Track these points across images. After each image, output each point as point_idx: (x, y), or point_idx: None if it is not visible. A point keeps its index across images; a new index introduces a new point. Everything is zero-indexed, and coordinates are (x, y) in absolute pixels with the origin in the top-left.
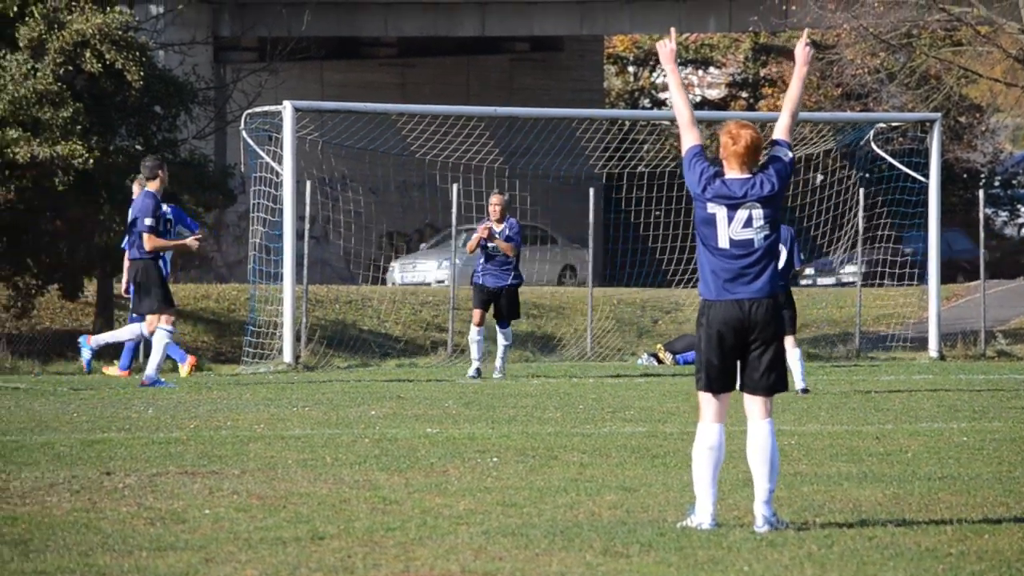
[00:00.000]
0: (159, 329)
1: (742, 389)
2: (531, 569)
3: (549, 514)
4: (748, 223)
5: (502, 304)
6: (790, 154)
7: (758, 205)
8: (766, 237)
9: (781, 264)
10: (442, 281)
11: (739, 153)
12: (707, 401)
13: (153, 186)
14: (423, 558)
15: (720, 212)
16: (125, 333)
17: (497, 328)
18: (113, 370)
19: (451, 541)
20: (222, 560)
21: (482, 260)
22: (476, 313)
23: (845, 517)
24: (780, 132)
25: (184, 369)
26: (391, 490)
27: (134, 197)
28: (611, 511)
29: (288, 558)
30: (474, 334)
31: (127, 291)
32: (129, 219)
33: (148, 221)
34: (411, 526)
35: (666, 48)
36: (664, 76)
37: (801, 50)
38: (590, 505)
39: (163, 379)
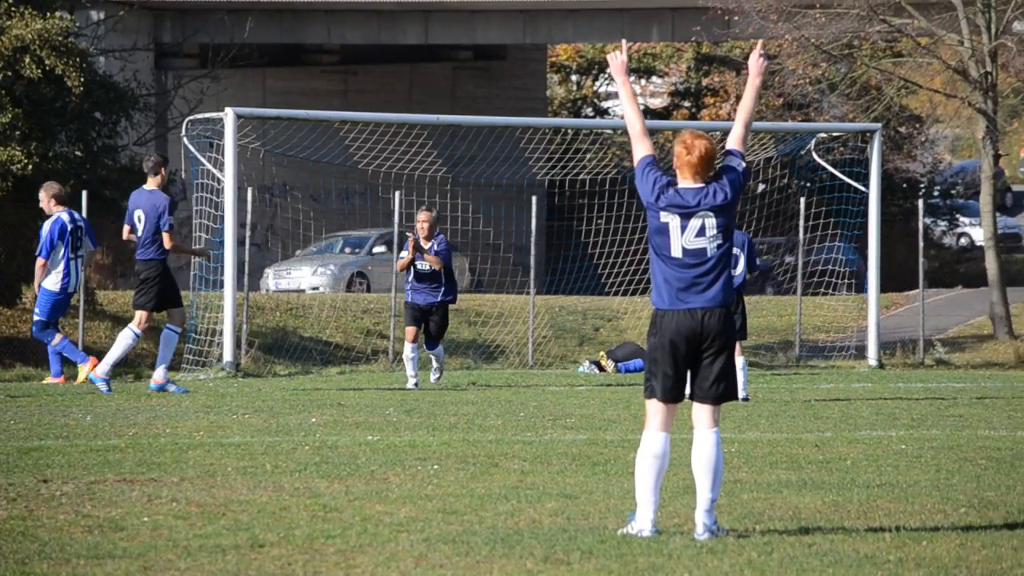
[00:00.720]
0: (129, 328)
1: (691, 397)
2: None
3: (490, 521)
4: (701, 232)
5: (432, 322)
6: (743, 164)
7: (711, 214)
8: (719, 246)
9: (737, 271)
10: (317, 288)
11: (693, 163)
12: (655, 410)
13: (155, 183)
14: (363, 565)
15: (673, 221)
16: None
17: (427, 349)
18: (48, 378)
19: (391, 548)
20: (161, 568)
21: (411, 278)
22: (409, 331)
23: (785, 524)
24: (733, 142)
25: (84, 371)
26: (331, 497)
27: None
28: (552, 518)
29: (228, 566)
30: (408, 351)
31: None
32: (135, 216)
33: (169, 220)
34: (351, 533)
35: (617, 60)
36: (607, 85)
37: (755, 61)
38: (531, 512)
39: (174, 385)
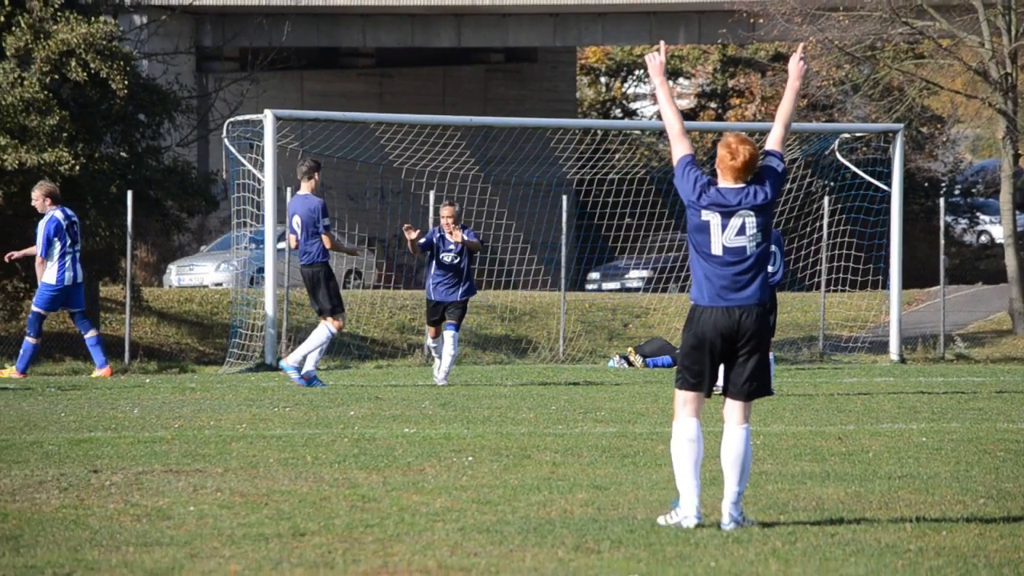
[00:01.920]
0: (326, 328)
1: (724, 393)
2: (505, 565)
3: (523, 511)
4: (741, 231)
5: (450, 313)
6: (783, 165)
7: (751, 213)
8: (758, 245)
9: (773, 268)
10: (220, 283)
11: (736, 168)
12: (684, 399)
13: (309, 187)
14: (401, 554)
15: (714, 220)
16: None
17: (445, 332)
18: (95, 372)
19: (428, 537)
20: (206, 555)
21: (433, 271)
22: (430, 329)
23: (808, 515)
24: (773, 143)
25: (98, 374)
26: (370, 488)
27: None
28: (583, 508)
29: (270, 553)
30: (430, 343)
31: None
32: (293, 222)
33: (326, 222)
34: (389, 523)
35: (655, 60)
36: (636, 87)
37: (795, 64)
38: (562, 503)
39: (299, 373)
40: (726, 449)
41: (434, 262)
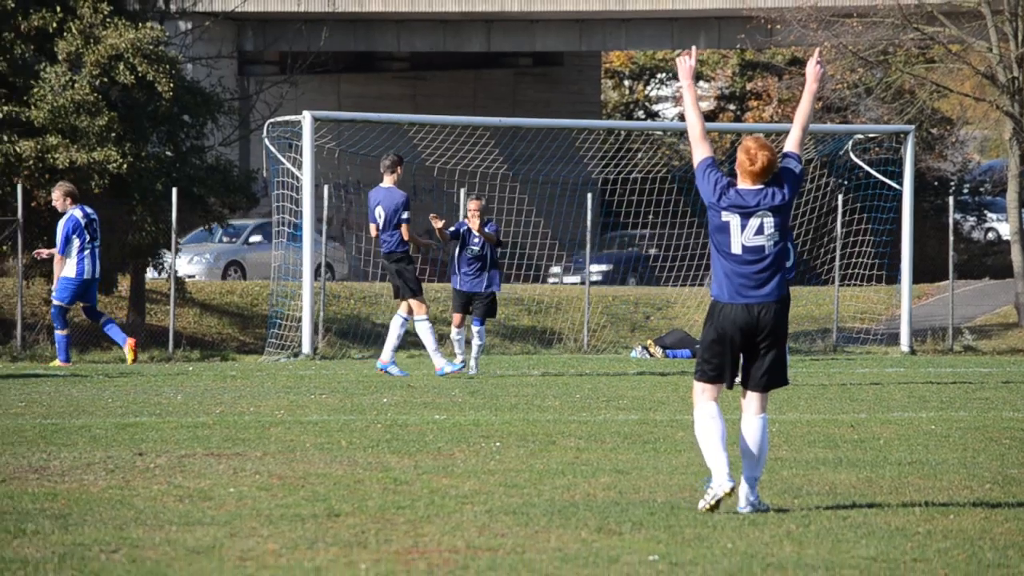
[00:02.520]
0: (397, 315)
1: (742, 384)
2: (531, 545)
3: (548, 494)
4: (760, 231)
5: (477, 307)
6: (800, 166)
7: (769, 214)
8: (776, 244)
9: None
10: (192, 276)
11: (755, 173)
12: (703, 388)
13: (391, 180)
14: (431, 534)
15: (734, 220)
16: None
17: (472, 326)
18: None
19: (457, 519)
20: (245, 535)
21: (459, 262)
22: (456, 317)
23: (822, 499)
24: (791, 145)
25: (127, 352)
26: (401, 472)
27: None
28: (605, 492)
29: (306, 533)
30: (454, 333)
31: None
32: (376, 212)
33: (406, 215)
34: (420, 505)
35: (685, 64)
36: (658, 89)
37: (812, 68)
38: (586, 487)
39: (397, 368)
40: (745, 437)
41: (461, 253)
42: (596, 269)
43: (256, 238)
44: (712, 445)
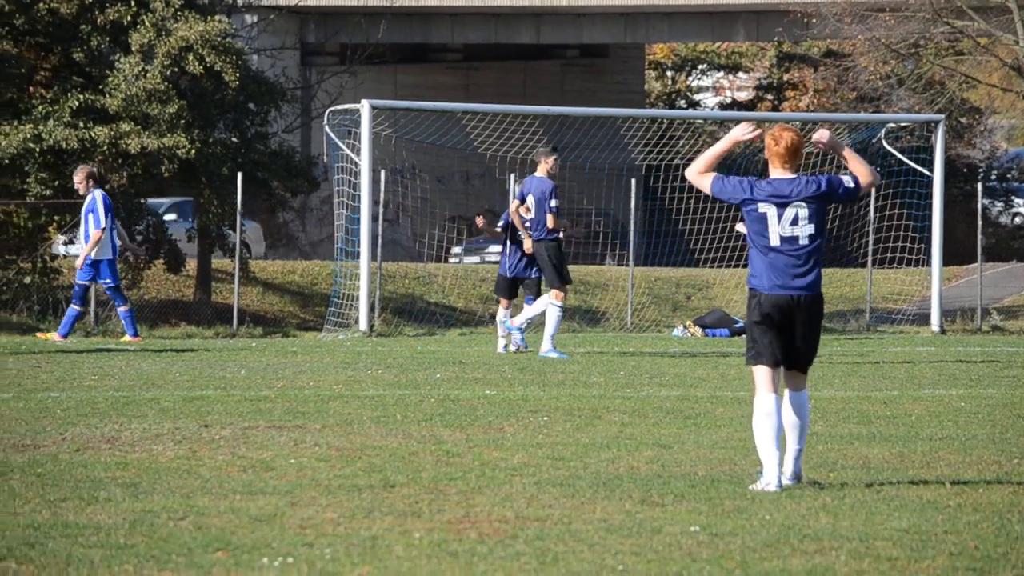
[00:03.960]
0: (551, 304)
1: (783, 364)
2: (577, 516)
3: (593, 467)
4: (795, 221)
5: (528, 284)
6: (853, 184)
7: (803, 204)
8: (811, 236)
9: None
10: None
11: (780, 153)
12: (760, 373)
13: (544, 171)
14: (482, 505)
15: (771, 211)
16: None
17: (527, 303)
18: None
19: (507, 490)
20: (305, 504)
21: (511, 248)
22: (504, 302)
23: (856, 473)
24: (856, 175)
25: (130, 340)
26: (454, 444)
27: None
28: (648, 465)
29: (363, 503)
30: (501, 315)
31: None
32: (527, 198)
33: (553, 203)
34: (471, 476)
35: (740, 133)
36: (700, 79)
37: (823, 141)
38: (629, 460)
39: (558, 350)
40: (787, 411)
41: (511, 240)
42: (494, 250)
43: (171, 216)
44: (766, 442)
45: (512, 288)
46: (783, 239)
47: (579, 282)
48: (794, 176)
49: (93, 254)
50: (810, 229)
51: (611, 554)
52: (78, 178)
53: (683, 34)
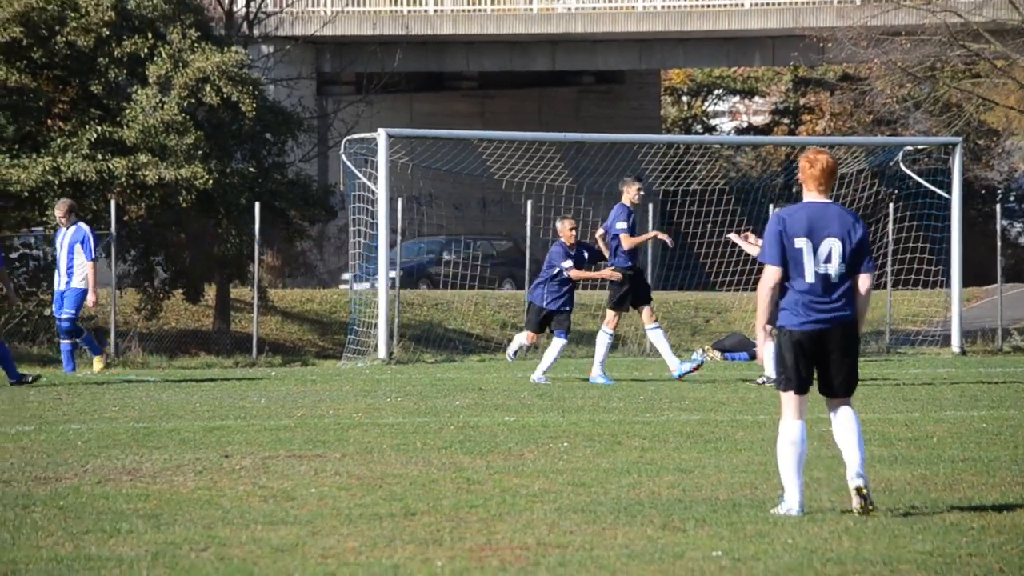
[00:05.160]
0: (602, 331)
1: (821, 392)
2: (599, 542)
3: (614, 493)
4: (828, 259)
5: (560, 319)
6: (872, 267)
7: (839, 241)
8: (842, 275)
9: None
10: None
11: (816, 176)
12: (788, 400)
13: (626, 198)
14: (503, 532)
15: (807, 247)
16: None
17: (557, 337)
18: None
19: (528, 517)
20: (327, 533)
21: (550, 281)
22: (532, 336)
23: (878, 496)
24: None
25: (96, 363)
26: (474, 472)
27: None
28: (669, 490)
29: (384, 531)
30: (525, 343)
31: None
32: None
33: (620, 225)
34: (492, 503)
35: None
36: (715, 104)
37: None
38: (650, 485)
39: (606, 376)
40: (839, 438)
41: (554, 274)
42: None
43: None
44: (789, 468)
45: (543, 322)
46: (818, 275)
47: (597, 308)
48: (829, 201)
49: (81, 284)
50: (843, 268)
51: None
52: (60, 212)
53: (698, 59)
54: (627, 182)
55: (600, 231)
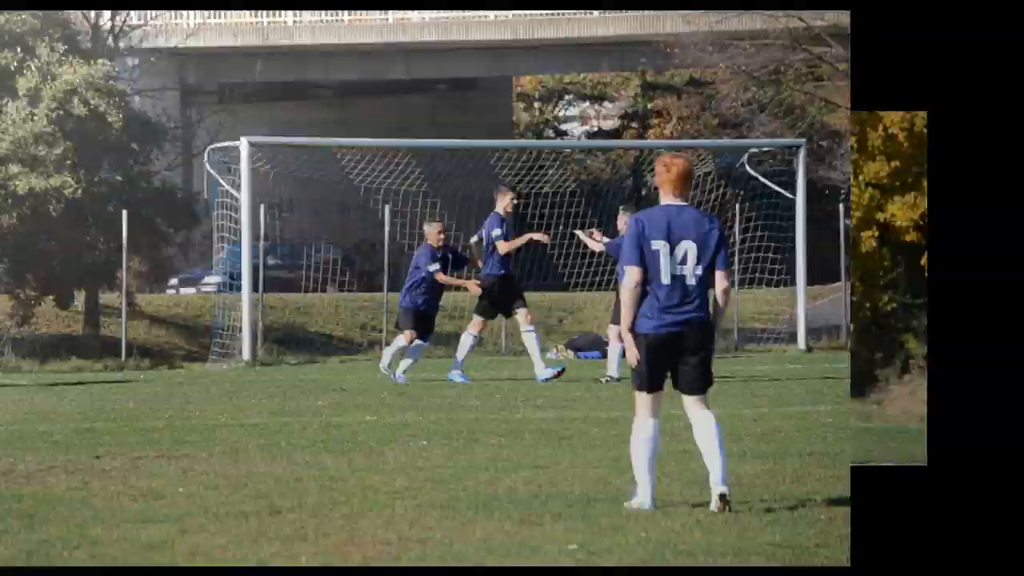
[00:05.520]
0: (467, 332)
1: (677, 389)
2: (458, 537)
3: (472, 489)
4: (684, 260)
5: (429, 323)
6: (729, 271)
7: (694, 244)
8: (698, 278)
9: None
10: None
11: (672, 180)
12: (642, 400)
13: (499, 206)
14: (365, 528)
15: (663, 248)
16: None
17: (420, 341)
18: None
19: (389, 513)
20: (195, 531)
21: (422, 283)
22: (409, 335)
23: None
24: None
25: None
26: (337, 470)
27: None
28: (526, 486)
29: (250, 529)
30: (402, 345)
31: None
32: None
33: (495, 232)
34: (354, 501)
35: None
36: (566, 110)
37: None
38: (507, 481)
39: (464, 375)
40: (699, 440)
41: (424, 276)
42: (211, 281)
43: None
44: (641, 464)
45: (420, 322)
46: (674, 277)
47: (454, 308)
48: (684, 204)
49: None
50: (698, 271)
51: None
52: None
53: (549, 66)
54: (501, 191)
55: (474, 239)
